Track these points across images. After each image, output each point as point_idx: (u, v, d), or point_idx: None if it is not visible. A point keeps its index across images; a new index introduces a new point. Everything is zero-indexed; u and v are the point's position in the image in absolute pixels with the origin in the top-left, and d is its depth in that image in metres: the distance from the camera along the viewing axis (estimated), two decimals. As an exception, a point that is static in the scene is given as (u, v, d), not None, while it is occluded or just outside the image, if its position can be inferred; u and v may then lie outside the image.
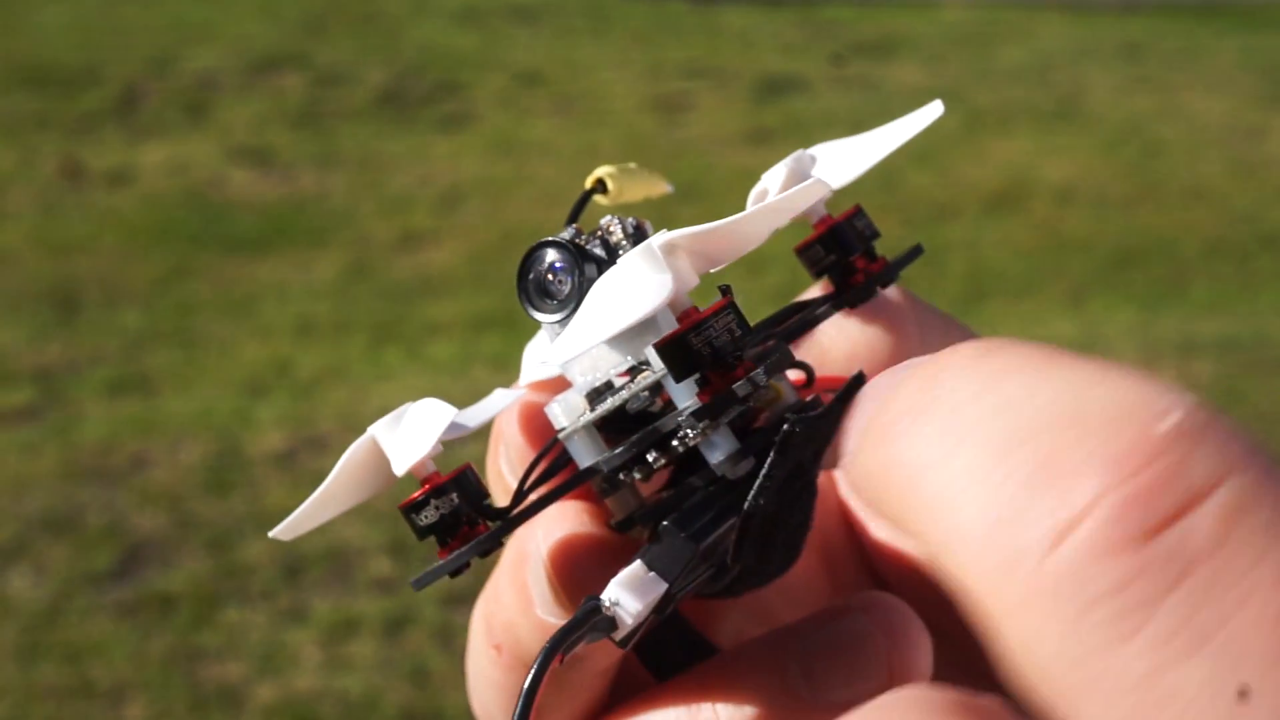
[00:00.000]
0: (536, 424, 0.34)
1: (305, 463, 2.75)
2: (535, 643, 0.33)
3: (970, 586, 0.21)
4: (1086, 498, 0.20)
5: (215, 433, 2.87)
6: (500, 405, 0.33)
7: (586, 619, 0.29)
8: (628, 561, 0.29)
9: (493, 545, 0.31)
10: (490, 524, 0.31)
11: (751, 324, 0.31)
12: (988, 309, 3.61)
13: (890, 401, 0.24)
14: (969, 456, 0.21)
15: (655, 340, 0.30)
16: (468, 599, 2.07)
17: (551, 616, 0.32)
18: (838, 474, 0.31)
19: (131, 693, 2.14)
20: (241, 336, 3.38)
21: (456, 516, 0.31)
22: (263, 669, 2.18)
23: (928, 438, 0.22)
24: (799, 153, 0.34)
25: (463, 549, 0.31)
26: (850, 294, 0.34)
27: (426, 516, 0.31)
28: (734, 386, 0.29)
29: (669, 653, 0.33)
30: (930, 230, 4.26)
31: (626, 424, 0.31)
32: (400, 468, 0.31)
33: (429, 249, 4.02)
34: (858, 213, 0.35)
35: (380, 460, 0.32)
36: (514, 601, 0.33)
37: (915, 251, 0.36)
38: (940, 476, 0.22)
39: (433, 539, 0.32)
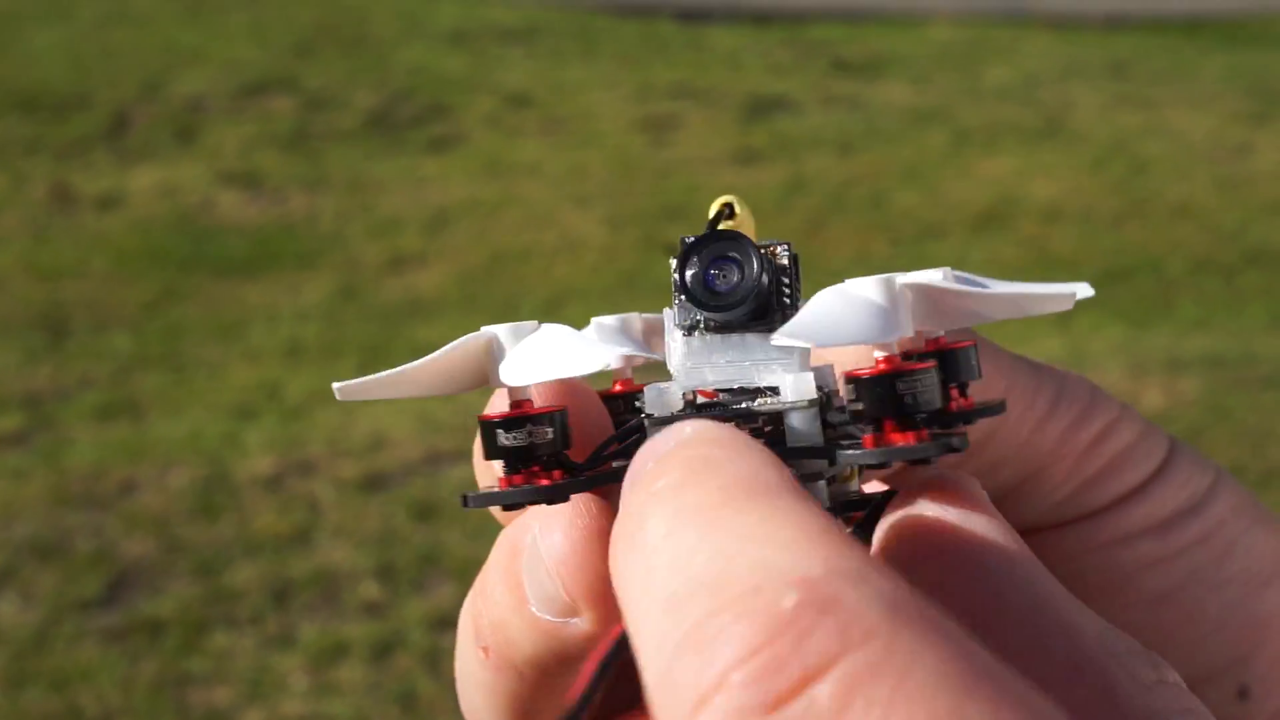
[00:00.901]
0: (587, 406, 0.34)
1: (294, 487, 2.76)
2: (527, 642, 0.32)
3: (646, 687, 0.24)
4: (722, 667, 0.22)
5: (204, 457, 2.87)
6: (606, 359, 0.31)
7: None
8: None
9: (560, 497, 0.31)
10: (563, 475, 0.31)
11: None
12: (974, 328, 3.62)
13: (620, 517, 0.27)
14: (650, 605, 0.24)
15: (803, 367, 0.30)
16: (455, 622, 2.08)
17: (548, 613, 0.32)
18: None
19: (120, 719, 2.14)
20: (231, 360, 3.38)
21: (534, 451, 0.31)
22: (251, 694, 2.18)
23: (627, 571, 0.25)
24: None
25: (528, 488, 0.31)
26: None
27: (511, 439, 0.30)
28: (916, 444, 0.29)
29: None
30: (918, 248, 4.27)
31: None
32: (513, 380, 0.31)
33: (418, 271, 4.03)
34: (974, 346, 0.33)
35: (480, 362, 0.32)
36: (506, 599, 0.33)
37: (999, 408, 0.34)
38: (635, 610, 0.25)
39: (496, 464, 0.31)
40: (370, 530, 2.59)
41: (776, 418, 0.31)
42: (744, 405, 0.31)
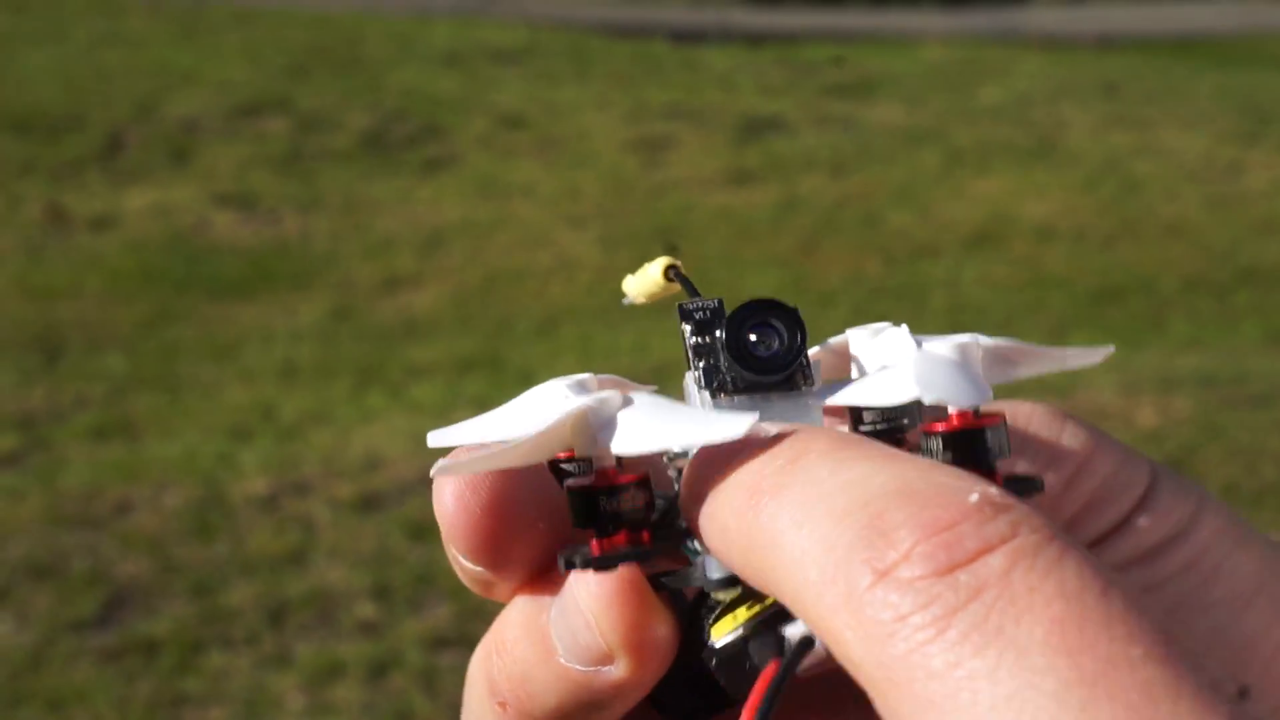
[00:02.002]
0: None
1: (289, 507, 2.76)
2: (553, 694, 0.32)
3: (818, 622, 0.26)
4: (903, 547, 0.25)
5: (199, 477, 2.87)
6: (741, 427, 0.31)
7: (801, 651, 0.30)
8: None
9: (655, 554, 0.32)
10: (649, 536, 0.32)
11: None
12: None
13: (753, 478, 0.28)
14: (818, 521, 0.26)
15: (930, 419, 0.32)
16: (451, 642, 2.08)
17: (579, 663, 0.32)
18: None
19: (115, 739, 2.14)
20: (225, 380, 3.38)
21: (631, 516, 0.32)
22: (246, 714, 2.18)
23: (787, 509, 0.27)
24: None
25: (641, 548, 0.32)
26: None
27: (619, 504, 0.32)
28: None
29: (684, 699, 0.34)
30: (911, 268, 4.29)
31: None
32: (623, 449, 0.31)
33: (412, 292, 4.03)
34: (1002, 423, 0.33)
35: (565, 433, 0.32)
36: (529, 652, 0.33)
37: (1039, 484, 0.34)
38: (796, 538, 0.27)
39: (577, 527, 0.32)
40: (366, 550, 2.59)
41: None
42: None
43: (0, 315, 3.76)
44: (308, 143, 5.39)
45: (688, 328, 0.34)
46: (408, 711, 2.17)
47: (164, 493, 2.81)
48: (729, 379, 0.34)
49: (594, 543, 0.32)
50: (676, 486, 0.32)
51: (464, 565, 0.33)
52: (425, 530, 2.63)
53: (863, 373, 0.34)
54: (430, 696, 2.19)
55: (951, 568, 0.25)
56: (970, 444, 0.31)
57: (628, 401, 0.32)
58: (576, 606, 0.32)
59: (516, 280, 4.13)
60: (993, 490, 0.26)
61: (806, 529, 0.27)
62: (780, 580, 0.27)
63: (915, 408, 0.33)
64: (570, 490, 0.32)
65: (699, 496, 0.30)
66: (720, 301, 0.35)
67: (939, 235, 4.55)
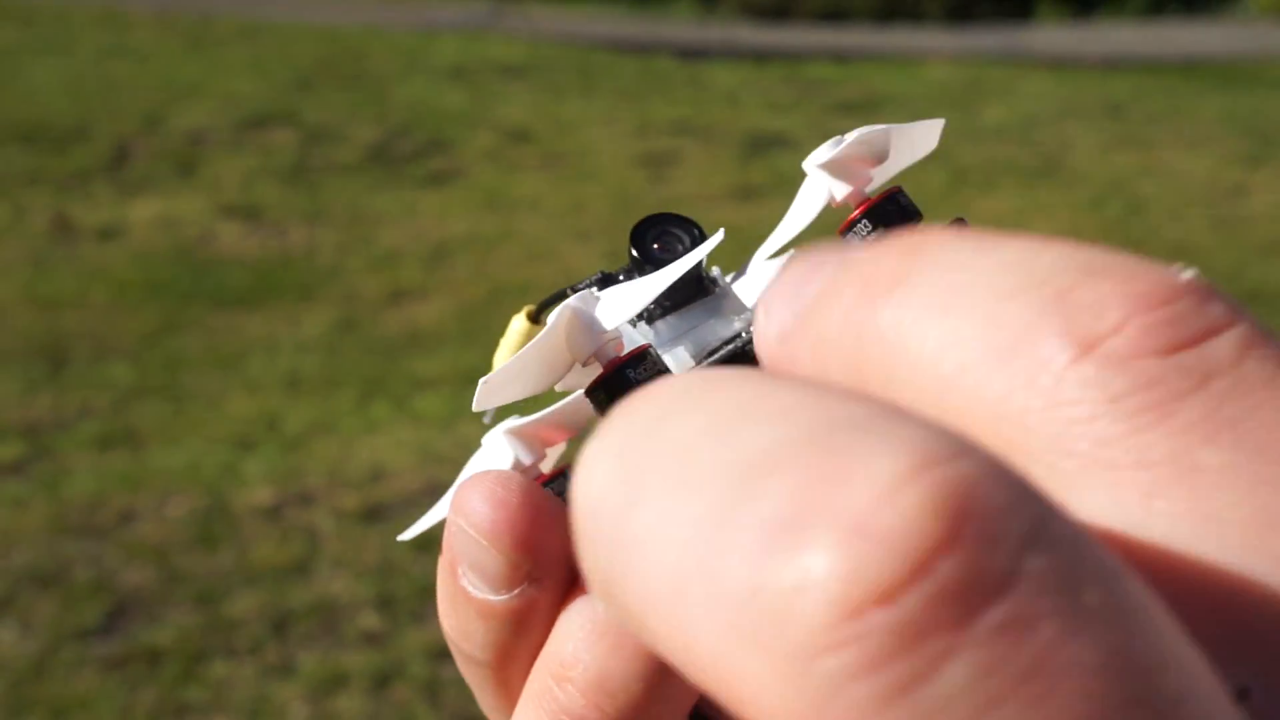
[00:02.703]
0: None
1: (293, 517, 2.75)
2: (635, 679, 0.30)
3: (981, 410, 0.20)
4: (1113, 320, 0.20)
5: (203, 487, 2.87)
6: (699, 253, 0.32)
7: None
8: None
9: None
10: None
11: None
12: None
13: (860, 275, 0.22)
14: (976, 303, 0.21)
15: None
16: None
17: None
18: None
19: (117, 748, 2.13)
20: (230, 391, 3.38)
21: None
22: (250, 724, 2.18)
23: (920, 298, 0.21)
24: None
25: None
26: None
27: (649, 368, 0.32)
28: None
29: None
30: (916, 286, 4.29)
31: None
32: (625, 312, 0.32)
33: (417, 304, 4.04)
34: (899, 192, 0.33)
35: (560, 338, 0.32)
36: (600, 648, 0.31)
37: (958, 224, 0.33)
38: (940, 327, 0.21)
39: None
40: (370, 561, 2.59)
41: None
42: (746, 343, 0.33)
43: (6, 324, 3.76)
44: (314, 155, 5.40)
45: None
46: (411, 723, 2.16)
47: (168, 502, 2.81)
48: (651, 307, 0.34)
49: None
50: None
51: (501, 574, 0.31)
52: (429, 541, 2.62)
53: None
54: (434, 707, 2.19)
55: (1175, 348, 0.20)
56: (890, 208, 0.32)
57: (596, 296, 0.32)
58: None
59: (521, 294, 4.13)
60: (1197, 272, 0.21)
61: (956, 315, 0.21)
62: (907, 380, 0.21)
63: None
64: (598, 382, 0.31)
65: (779, 312, 0.23)
66: (601, 271, 0.36)
67: (944, 253, 4.55)
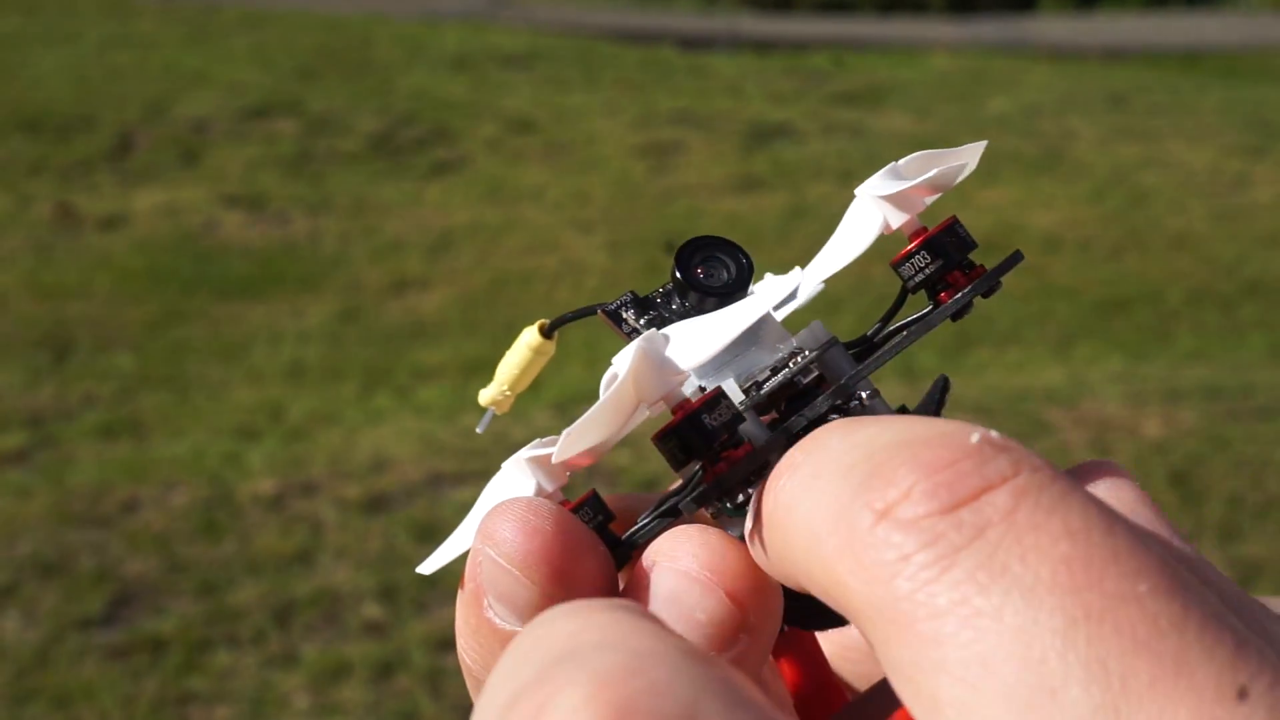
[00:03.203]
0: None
1: (296, 507, 2.76)
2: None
3: (822, 578, 0.26)
4: (904, 487, 0.25)
5: (206, 477, 2.87)
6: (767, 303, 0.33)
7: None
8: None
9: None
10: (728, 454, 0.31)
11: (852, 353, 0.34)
12: (975, 356, 3.64)
13: (775, 474, 0.28)
14: (826, 480, 0.26)
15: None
16: (457, 644, 2.08)
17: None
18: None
19: (121, 736, 2.15)
20: (233, 380, 3.39)
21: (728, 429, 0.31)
22: (252, 713, 2.19)
23: (800, 479, 0.27)
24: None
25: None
26: (943, 309, 0.34)
27: (721, 415, 0.31)
28: (993, 268, 0.33)
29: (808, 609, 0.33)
30: (917, 277, 4.29)
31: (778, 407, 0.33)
32: (698, 357, 0.32)
33: (420, 294, 4.04)
34: (956, 222, 0.34)
35: (629, 383, 0.31)
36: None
37: (1015, 258, 0.34)
38: (805, 501, 0.27)
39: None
40: (372, 551, 2.60)
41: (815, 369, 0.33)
42: (795, 373, 0.33)
43: (10, 314, 3.77)
44: (317, 145, 5.41)
45: (630, 315, 0.35)
46: (413, 712, 2.17)
47: (171, 492, 2.82)
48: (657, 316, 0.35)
49: (710, 470, 0.31)
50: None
51: (533, 605, 0.31)
52: (432, 531, 2.64)
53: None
54: (435, 697, 2.20)
55: (954, 506, 0.24)
56: (948, 240, 0.33)
57: (665, 335, 0.32)
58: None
59: (524, 284, 4.14)
60: (993, 432, 0.25)
61: (814, 491, 0.26)
62: (795, 550, 0.27)
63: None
64: (669, 429, 0.31)
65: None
66: (632, 293, 0.36)
67: (946, 244, 4.56)
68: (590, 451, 0.32)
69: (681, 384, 0.31)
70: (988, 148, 0.34)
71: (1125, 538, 0.24)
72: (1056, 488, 0.24)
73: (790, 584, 0.28)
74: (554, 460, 0.32)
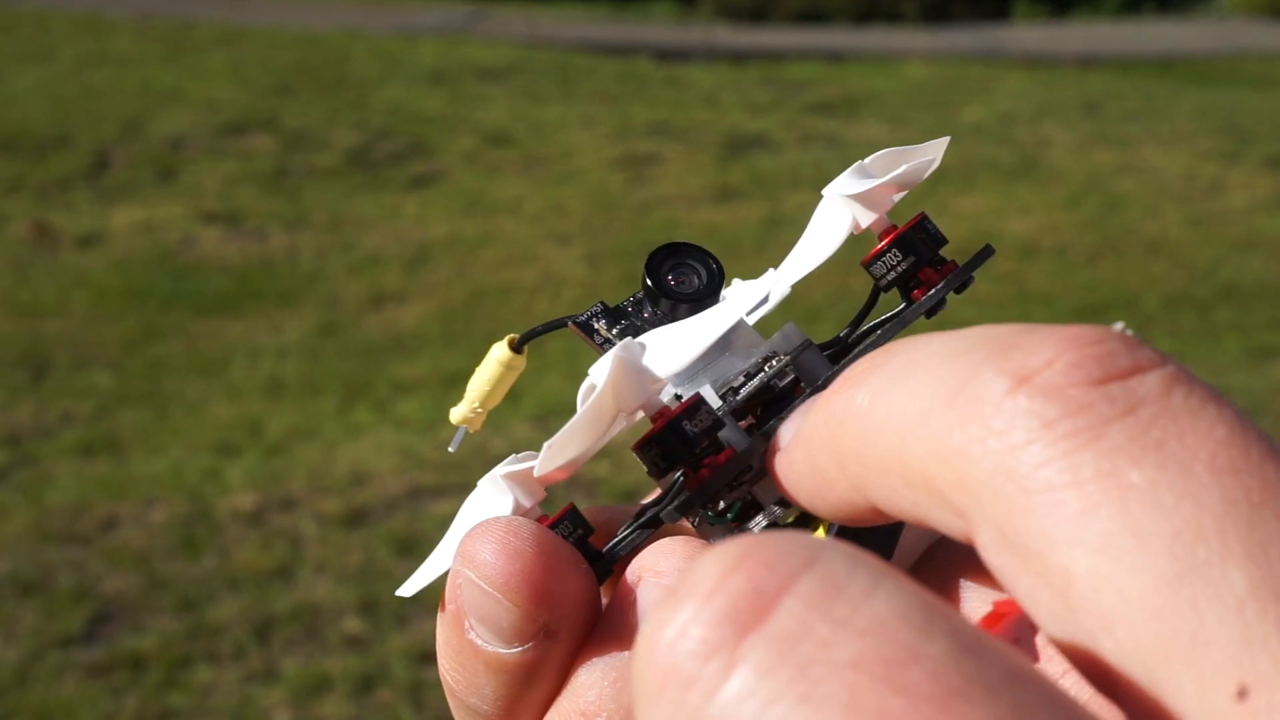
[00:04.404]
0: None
1: (275, 522, 2.76)
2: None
3: (926, 455, 0.24)
4: (1046, 356, 0.23)
5: (185, 493, 2.87)
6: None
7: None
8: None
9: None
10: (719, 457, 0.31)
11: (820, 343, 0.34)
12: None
13: (839, 382, 0.26)
14: (928, 368, 0.24)
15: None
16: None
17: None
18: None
19: (102, 754, 2.14)
20: (212, 397, 3.39)
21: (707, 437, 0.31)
22: (233, 728, 2.18)
23: (885, 375, 0.25)
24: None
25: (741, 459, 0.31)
26: (917, 305, 0.34)
27: (703, 422, 0.31)
28: (964, 263, 0.33)
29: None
30: (895, 285, 4.30)
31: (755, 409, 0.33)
32: (676, 366, 0.31)
33: (398, 307, 4.04)
34: (925, 218, 0.34)
35: (607, 393, 0.31)
36: (623, 698, 0.30)
37: (985, 252, 0.34)
38: (900, 389, 0.24)
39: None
40: (352, 565, 2.60)
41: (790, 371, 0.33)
42: (771, 376, 0.33)
43: (-14, 332, 3.76)
44: (294, 160, 5.40)
45: (601, 325, 0.36)
46: (394, 725, 2.17)
47: (151, 509, 2.81)
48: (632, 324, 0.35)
49: (692, 477, 0.31)
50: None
51: (515, 627, 0.30)
52: (412, 545, 2.64)
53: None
54: (417, 711, 2.20)
55: (1104, 379, 0.23)
56: (918, 237, 0.33)
57: (640, 343, 0.32)
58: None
59: (502, 296, 4.15)
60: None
61: (914, 378, 0.24)
62: (878, 443, 0.25)
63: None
64: (650, 437, 0.31)
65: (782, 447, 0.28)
66: (602, 303, 0.36)
67: (923, 252, 4.57)
68: (568, 464, 0.32)
69: (659, 392, 0.31)
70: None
71: (1272, 441, 0.22)
72: (1204, 385, 0.23)
73: (839, 503, 0.27)
74: (536, 474, 0.32)
